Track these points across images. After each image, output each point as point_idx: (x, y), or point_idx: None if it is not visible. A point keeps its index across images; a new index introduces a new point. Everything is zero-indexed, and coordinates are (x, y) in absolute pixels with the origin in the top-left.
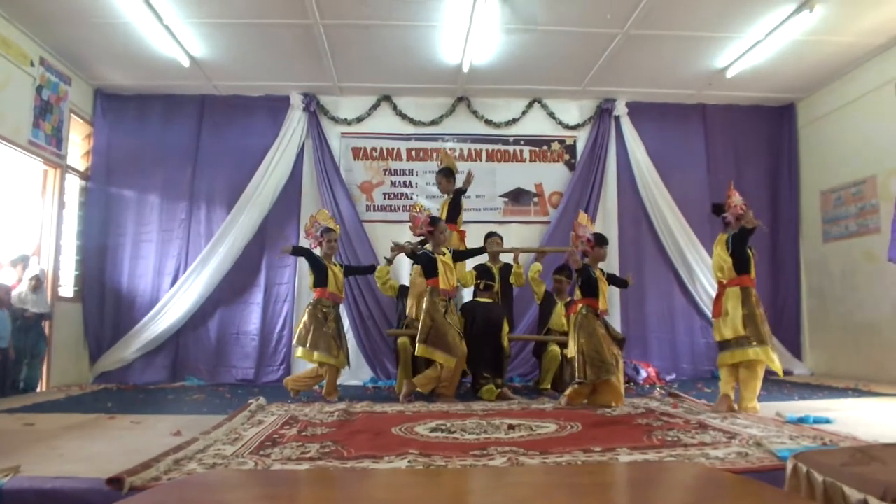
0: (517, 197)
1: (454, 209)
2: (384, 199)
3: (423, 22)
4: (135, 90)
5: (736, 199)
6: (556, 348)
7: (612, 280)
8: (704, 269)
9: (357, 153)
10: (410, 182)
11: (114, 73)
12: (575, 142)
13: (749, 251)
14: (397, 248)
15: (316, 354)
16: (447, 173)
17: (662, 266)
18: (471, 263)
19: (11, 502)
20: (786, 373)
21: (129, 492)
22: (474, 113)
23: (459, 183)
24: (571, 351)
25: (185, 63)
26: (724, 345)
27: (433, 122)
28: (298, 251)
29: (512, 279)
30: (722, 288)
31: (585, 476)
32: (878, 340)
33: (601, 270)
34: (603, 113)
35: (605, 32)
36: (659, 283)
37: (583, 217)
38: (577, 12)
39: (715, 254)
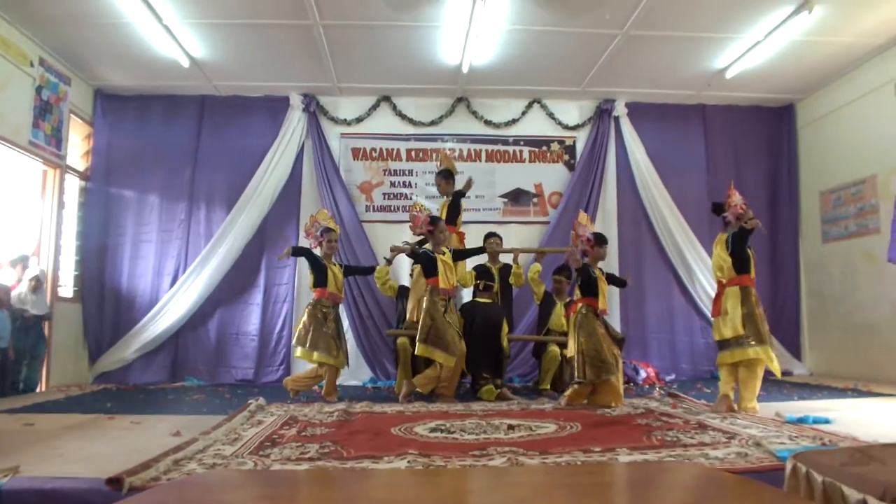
0: (517, 197)
1: (453, 211)
2: (384, 199)
3: (422, 22)
4: (134, 90)
5: (736, 198)
6: (555, 349)
7: (611, 279)
8: (704, 270)
9: (356, 153)
10: (410, 182)
11: (113, 73)
12: (574, 142)
13: (749, 251)
14: (396, 250)
15: (315, 354)
16: (446, 175)
17: (662, 266)
18: (470, 264)
19: (11, 502)
20: (785, 373)
21: (128, 492)
22: (474, 113)
23: (459, 185)
24: (571, 350)
25: (185, 63)
26: (723, 344)
27: (433, 123)
28: (298, 252)
29: (511, 279)
30: (721, 287)
31: (585, 476)
32: (877, 340)
33: (600, 270)
34: (602, 113)
35: (605, 33)
36: (658, 283)
37: (583, 216)
38: (577, 12)
39: (715, 253)
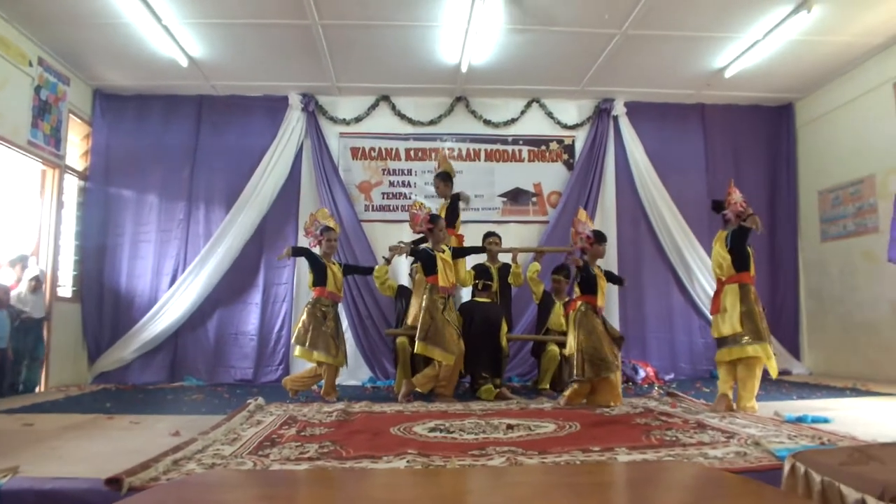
0: (516, 197)
1: (452, 213)
2: (383, 198)
3: (421, 22)
4: (133, 90)
5: (736, 196)
6: (554, 348)
7: (609, 277)
8: (703, 269)
9: (355, 153)
10: (409, 182)
11: (112, 73)
12: (573, 142)
13: (748, 248)
14: (395, 250)
15: (315, 353)
16: (444, 177)
17: (661, 266)
18: (469, 263)
19: (10, 502)
20: (784, 372)
21: (127, 492)
22: (473, 113)
23: (458, 187)
24: (570, 348)
25: (184, 63)
26: (721, 341)
27: (432, 122)
28: (298, 252)
29: (510, 279)
30: (721, 285)
31: (584, 476)
32: (876, 340)
33: (599, 268)
34: (601, 113)
35: (604, 32)
36: (657, 282)
37: (582, 214)
38: (576, 12)
39: (714, 251)
